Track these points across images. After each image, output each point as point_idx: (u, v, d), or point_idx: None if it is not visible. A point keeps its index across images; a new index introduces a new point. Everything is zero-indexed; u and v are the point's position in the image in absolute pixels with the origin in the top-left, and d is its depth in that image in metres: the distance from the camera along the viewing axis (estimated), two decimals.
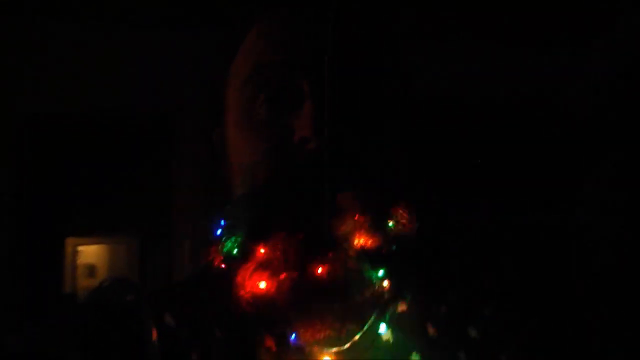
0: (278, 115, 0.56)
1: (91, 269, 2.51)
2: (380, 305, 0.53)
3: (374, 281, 0.52)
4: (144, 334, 0.53)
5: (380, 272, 0.53)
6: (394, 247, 0.54)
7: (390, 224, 0.55)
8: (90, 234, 2.50)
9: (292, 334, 0.52)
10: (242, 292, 0.50)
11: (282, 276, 0.50)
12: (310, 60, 0.54)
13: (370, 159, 0.56)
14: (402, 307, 0.57)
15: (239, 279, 0.51)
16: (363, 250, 0.52)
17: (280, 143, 0.55)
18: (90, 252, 2.52)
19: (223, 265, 0.54)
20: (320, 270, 0.50)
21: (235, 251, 0.53)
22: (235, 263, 0.52)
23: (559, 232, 2.33)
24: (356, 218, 0.52)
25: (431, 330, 0.57)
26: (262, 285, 0.50)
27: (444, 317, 0.58)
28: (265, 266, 0.50)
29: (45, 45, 2.17)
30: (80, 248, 2.49)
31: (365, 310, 0.52)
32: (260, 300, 0.50)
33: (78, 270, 2.47)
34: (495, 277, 0.66)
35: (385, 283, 0.53)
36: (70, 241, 2.44)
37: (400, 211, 0.56)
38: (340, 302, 0.50)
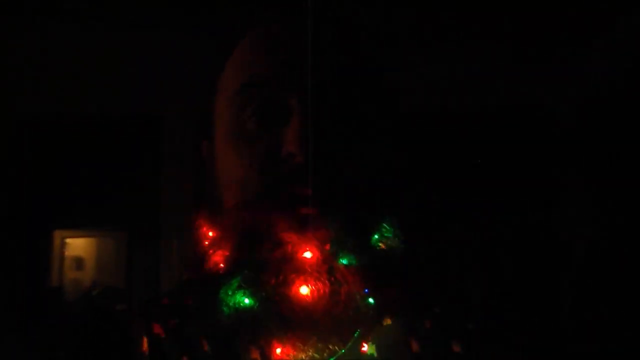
0: (266, 130, 0.57)
1: (79, 262, 2.50)
2: (365, 323, 0.54)
3: (358, 299, 0.53)
4: (134, 344, 0.54)
5: (365, 290, 0.54)
6: (377, 263, 0.55)
7: (375, 237, 0.56)
8: (78, 226, 2.49)
9: (277, 347, 0.53)
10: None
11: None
12: (297, 76, 0.55)
13: (355, 171, 0.57)
14: (386, 322, 0.58)
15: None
16: (347, 267, 0.52)
17: (268, 157, 0.56)
18: (78, 245, 2.51)
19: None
20: (304, 290, 0.50)
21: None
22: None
23: (556, 234, 2.34)
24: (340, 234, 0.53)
25: (415, 346, 0.58)
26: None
27: (428, 333, 0.59)
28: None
29: (39, 47, 2.16)
30: (68, 240, 2.48)
31: (349, 328, 0.53)
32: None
33: (65, 262, 2.46)
34: (480, 289, 0.67)
35: (370, 300, 0.54)
36: (58, 233, 2.43)
37: (385, 226, 0.57)
38: (323, 322, 0.51)
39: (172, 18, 2.08)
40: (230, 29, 0.63)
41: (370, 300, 0.53)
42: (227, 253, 0.55)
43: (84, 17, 2.04)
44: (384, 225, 0.56)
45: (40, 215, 2.30)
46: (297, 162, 0.53)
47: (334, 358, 0.52)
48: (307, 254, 0.52)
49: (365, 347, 0.54)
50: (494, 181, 2.39)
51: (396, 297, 0.55)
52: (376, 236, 0.56)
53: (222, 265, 0.55)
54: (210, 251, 0.56)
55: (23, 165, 2.28)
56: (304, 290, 0.51)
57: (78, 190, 2.31)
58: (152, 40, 2.20)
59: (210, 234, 0.59)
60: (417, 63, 2.30)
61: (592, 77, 2.52)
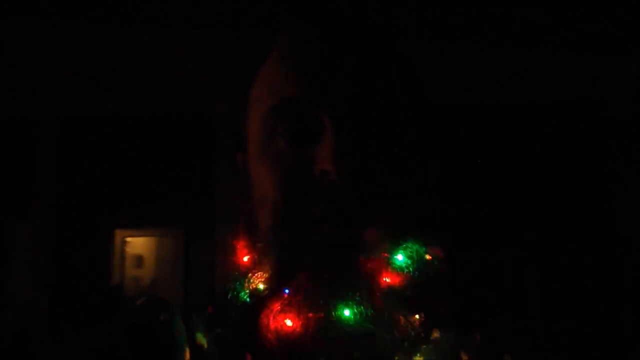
0: (298, 148, 0.54)
1: (139, 260, 2.58)
2: (410, 342, 0.51)
3: (402, 319, 0.51)
4: (177, 354, 0.53)
5: (410, 309, 0.51)
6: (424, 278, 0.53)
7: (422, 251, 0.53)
8: (138, 226, 2.57)
9: None
10: (268, 334, 0.50)
11: (309, 315, 0.49)
12: (331, 94, 0.53)
13: (397, 191, 0.54)
14: (435, 335, 0.56)
15: (264, 320, 0.50)
16: (390, 289, 0.50)
17: (300, 176, 0.54)
18: (138, 243, 2.60)
19: (248, 300, 0.54)
20: (347, 312, 0.48)
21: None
22: (260, 301, 0.52)
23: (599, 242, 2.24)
24: (383, 255, 0.51)
25: (465, 358, 0.56)
26: (289, 323, 0.49)
27: (479, 346, 0.57)
28: (290, 307, 0.50)
29: (100, 50, 2.24)
30: (128, 239, 2.57)
31: (393, 349, 0.51)
32: (286, 339, 0.49)
33: (126, 260, 2.55)
34: (535, 301, 0.64)
35: (417, 317, 0.52)
36: (119, 233, 2.52)
37: (433, 250, 0.54)
38: (366, 345, 0.49)
39: (219, 16, 2.10)
40: (259, 44, 0.62)
41: (417, 316, 0.51)
42: (267, 275, 0.54)
43: (139, 18, 2.09)
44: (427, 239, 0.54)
45: (102, 216, 2.39)
46: (332, 180, 0.51)
47: None
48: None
49: None
50: (549, 186, 2.32)
51: (443, 312, 0.53)
52: (422, 250, 0.54)
53: (262, 287, 0.54)
54: (250, 274, 0.55)
55: (85, 168, 2.37)
56: (346, 313, 0.48)
57: (137, 191, 2.38)
58: (209, 39, 2.23)
59: (246, 258, 0.58)
60: (465, 59, 2.24)
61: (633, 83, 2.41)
